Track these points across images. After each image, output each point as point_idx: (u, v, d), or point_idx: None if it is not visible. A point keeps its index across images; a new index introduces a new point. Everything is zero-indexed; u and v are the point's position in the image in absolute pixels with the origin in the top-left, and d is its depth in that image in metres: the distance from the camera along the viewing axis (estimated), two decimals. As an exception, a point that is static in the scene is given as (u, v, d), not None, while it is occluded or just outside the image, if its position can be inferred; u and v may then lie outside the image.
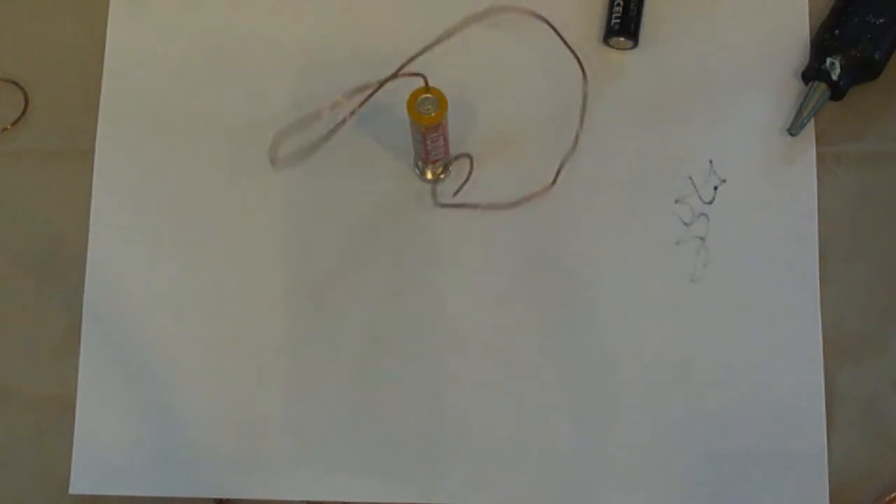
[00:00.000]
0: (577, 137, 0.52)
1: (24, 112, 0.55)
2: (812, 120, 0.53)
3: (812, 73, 0.53)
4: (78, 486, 0.51)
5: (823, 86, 0.52)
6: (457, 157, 0.52)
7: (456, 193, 0.53)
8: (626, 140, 0.53)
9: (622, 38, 0.54)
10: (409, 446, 0.51)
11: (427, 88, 0.48)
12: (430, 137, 0.49)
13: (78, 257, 0.53)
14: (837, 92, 0.52)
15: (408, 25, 0.55)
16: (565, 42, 0.51)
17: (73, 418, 0.52)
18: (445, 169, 0.53)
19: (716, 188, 0.53)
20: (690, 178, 0.53)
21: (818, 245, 0.52)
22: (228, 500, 0.51)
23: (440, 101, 0.48)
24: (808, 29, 0.54)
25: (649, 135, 0.53)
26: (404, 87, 0.48)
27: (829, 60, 0.52)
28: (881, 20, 0.52)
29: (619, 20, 0.53)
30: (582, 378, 0.51)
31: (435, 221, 0.53)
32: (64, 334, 0.53)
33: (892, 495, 0.50)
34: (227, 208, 0.54)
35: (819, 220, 0.52)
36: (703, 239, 0.53)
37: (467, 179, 0.52)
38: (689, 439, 0.51)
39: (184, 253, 0.53)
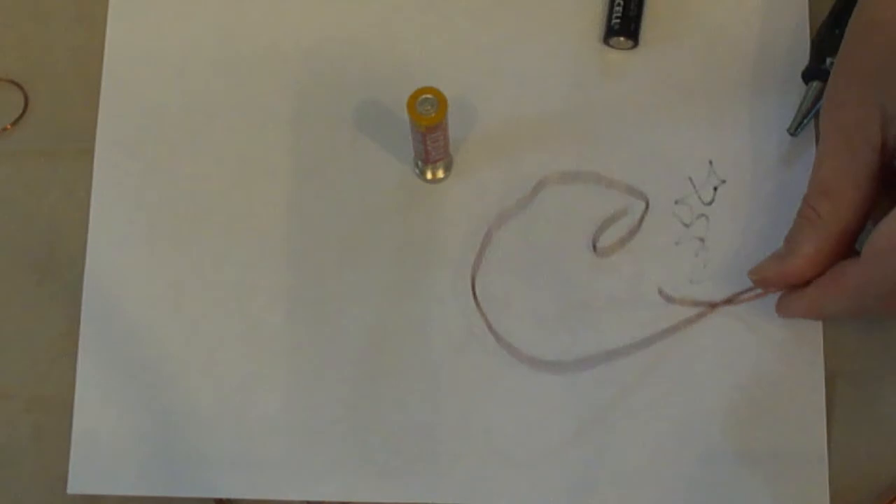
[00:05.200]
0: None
1: (24, 112, 0.55)
2: (812, 120, 0.53)
3: (812, 73, 0.52)
4: (76, 486, 0.51)
5: (823, 86, 0.52)
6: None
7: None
8: (626, 140, 0.53)
9: (622, 38, 0.54)
10: (409, 446, 0.51)
11: (427, 88, 0.48)
12: (431, 137, 0.49)
13: (77, 257, 0.53)
14: (837, 92, 0.52)
15: (410, 25, 0.55)
16: None
17: (71, 418, 0.52)
18: (446, 169, 0.53)
19: (716, 189, 0.53)
20: (690, 178, 0.53)
21: (818, 245, 0.52)
22: (228, 500, 0.51)
23: (440, 102, 0.48)
24: (808, 29, 0.54)
25: (649, 135, 0.53)
26: (404, 87, 0.48)
27: (829, 60, 0.52)
28: (881, 20, 0.52)
29: (619, 20, 0.53)
30: (581, 377, 0.51)
31: (435, 222, 0.53)
32: (62, 334, 0.53)
33: (893, 496, 0.50)
34: (227, 208, 0.54)
35: (819, 221, 0.52)
36: (702, 240, 0.53)
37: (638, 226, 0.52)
38: (689, 439, 0.51)
39: (184, 253, 0.53)
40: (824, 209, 0.47)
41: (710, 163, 0.53)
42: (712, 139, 0.53)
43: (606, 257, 0.52)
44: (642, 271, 0.52)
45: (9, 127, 0.55)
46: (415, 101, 0.48)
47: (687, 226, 0.53)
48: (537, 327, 0.52)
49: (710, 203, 0.53)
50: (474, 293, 0.51)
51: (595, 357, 0.51)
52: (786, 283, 0.49)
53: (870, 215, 0.47)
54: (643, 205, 0.52)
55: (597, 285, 0.52)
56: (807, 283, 0.49)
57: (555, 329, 0.52)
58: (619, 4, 0.54)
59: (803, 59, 0.53)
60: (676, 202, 0.53)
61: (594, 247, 0.52)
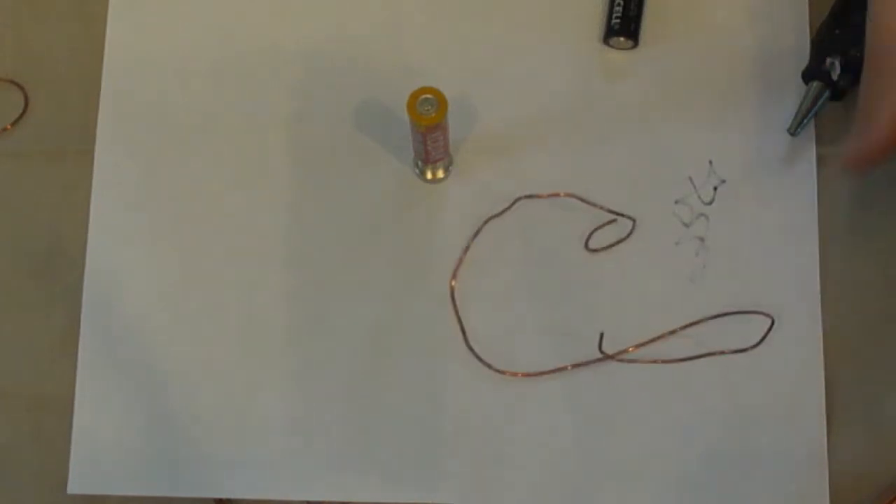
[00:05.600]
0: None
1: (24, 112, 0.55)
2: (812, 120, 0.53)
3: (812, 73, 0.52)
4: (76, 486, 0.51)
5: (823, 86, 0.52)
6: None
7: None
8: (626, 140, 0.53)
9: (622, 38, 0.54)
10: (410, 446, 0.51)
11: (427, 88, 0.48)
12: (431, 138, 0.49)
13: (78, 257, 0.53)
14: (837, 92, 0.52)
15: (410, 25, 0.55)
16: None
17: (71, 418, 0.52)
18: (446, 169, 0.53)
19: (715, 188, 0.53)
20: (690, 178, 0.53)
21: (818, 245, 0.52)
22: (228, 500, 0.51)
23: (440, 102, 0.48)
24: (808, 29, 0.54)
25: (649, 135, 0.53)
26: (404, 87, 0.48)
27: (829, 60, 0.52)
28: (881, 20, 0.52)
29: (619, 20, 0.53)
30: (581, 378, 0.51)
31: (434, 222, 0.53)
32: (63, 334, 0.53)
33: (893, 496, 0.50)
34: (227, 208, 0.54)
35: (819, 221, 0.52)
36: (702, 239, 0.53)
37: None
38: (690, 439, 0.51)
39: (184, 253, 0.53)
40: (889, 58, 0.43)
41: (710, 163, 0.53)
42: (712, 139, 0.53)
43: (597, 253, 0.52)
44: (642, 271, 0.52)
45: (9, 127, 0.55)
46: (415, 101, 0.48)
47: (687, 226, 0.53)
48: (537, 329, 0.52)
49: (710, 203, 0.53)
50: (453, 299, 0.52)
51: (593, 358, 0.51)
52: (874, 159, 0.47)
53: None
54: (630, 222, 0.52)
55: (596, 285, 0.52)
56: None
57: (552, 330, 0.52)
58: (619, 4, 0.54)
59: (803, 59, 0.53)
60: (676, 202, 0.53)
61: (586, 245, 0.52)
